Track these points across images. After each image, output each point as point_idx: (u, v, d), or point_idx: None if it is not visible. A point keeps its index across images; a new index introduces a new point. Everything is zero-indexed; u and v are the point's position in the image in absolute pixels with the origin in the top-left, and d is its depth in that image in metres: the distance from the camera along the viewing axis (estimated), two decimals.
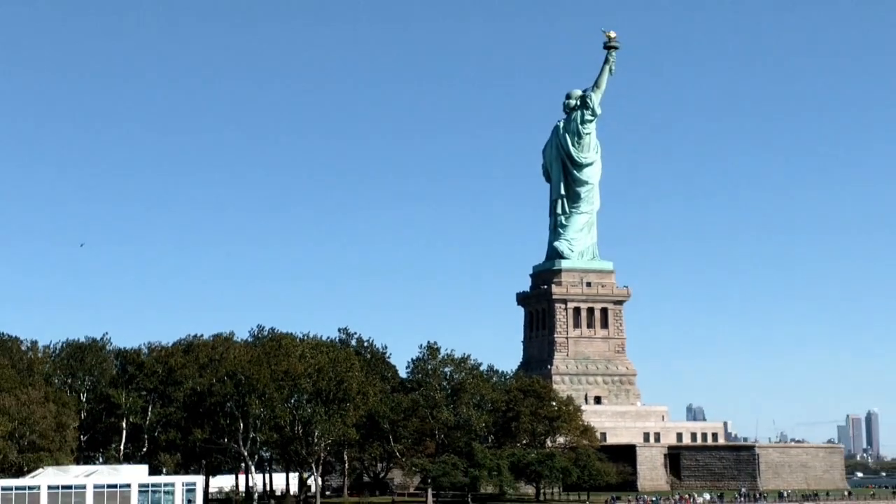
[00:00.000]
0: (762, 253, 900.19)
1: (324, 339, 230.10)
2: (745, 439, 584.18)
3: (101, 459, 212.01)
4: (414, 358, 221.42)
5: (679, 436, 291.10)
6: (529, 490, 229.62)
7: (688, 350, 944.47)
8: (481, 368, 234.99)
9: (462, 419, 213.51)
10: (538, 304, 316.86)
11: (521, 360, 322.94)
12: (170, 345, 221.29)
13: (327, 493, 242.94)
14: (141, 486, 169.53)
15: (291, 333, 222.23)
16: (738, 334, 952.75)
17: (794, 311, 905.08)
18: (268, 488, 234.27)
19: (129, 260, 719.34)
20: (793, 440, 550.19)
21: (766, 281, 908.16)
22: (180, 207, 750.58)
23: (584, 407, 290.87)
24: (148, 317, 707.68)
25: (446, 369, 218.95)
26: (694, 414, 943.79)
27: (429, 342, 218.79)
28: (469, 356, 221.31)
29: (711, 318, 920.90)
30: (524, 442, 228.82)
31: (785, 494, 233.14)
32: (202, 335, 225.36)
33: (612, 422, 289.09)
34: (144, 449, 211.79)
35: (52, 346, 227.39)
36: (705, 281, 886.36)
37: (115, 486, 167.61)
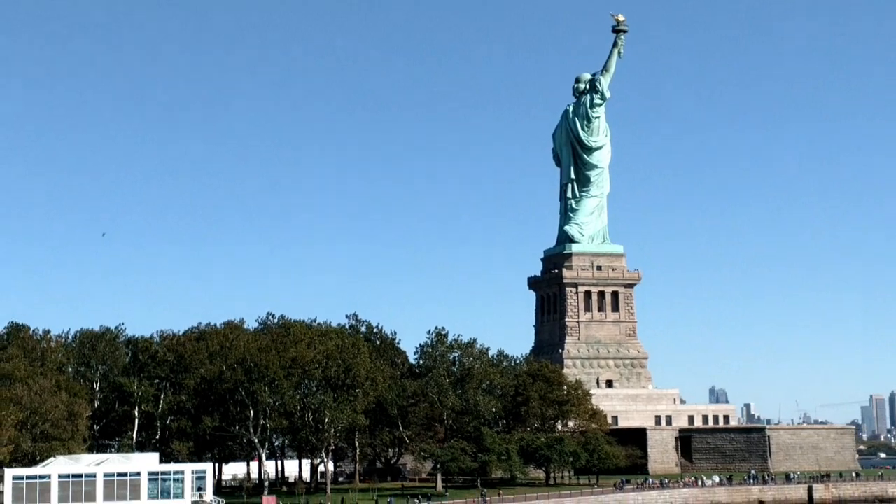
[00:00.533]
0: (777, 233, 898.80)
1: (334, 326, 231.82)
2: (769, 421, 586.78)
3: (115, 448, 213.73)
4: (422, 344, 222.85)
5: (691, 418, 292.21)
6: (540, 474, 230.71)
7: (707, 332, 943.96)
8: (490, 353, 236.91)
9: (470, 404, 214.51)
10: (549, 289, 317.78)
11: (532, 344, 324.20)
12: (181, 333, 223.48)
13: (340, 479, 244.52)
14: (151, 473, 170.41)
15: (301, 321, 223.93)
16: (757, 316, 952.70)
17: (813, 292, 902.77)
18: (280, 475, 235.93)
19: (141, 250, 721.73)
20: (815, 421, 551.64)
21: (782, 261, 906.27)
22: (192, 198, 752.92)
23: (595, 390, 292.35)
24: (160, 306, 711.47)
25: (454, 355, 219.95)
26: (717, 396, 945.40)
27: (436, 328, 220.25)
28: (476, 341, 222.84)
29: (726, 300, 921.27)
30: (535, 426, 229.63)
31: (792, 476, 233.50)
32: (213, 324, 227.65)
33: (624, 405, 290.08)
34: (157, 437, 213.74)
35: (64, 336, 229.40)
36: (718, 263, 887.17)
37: (125, 475, 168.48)
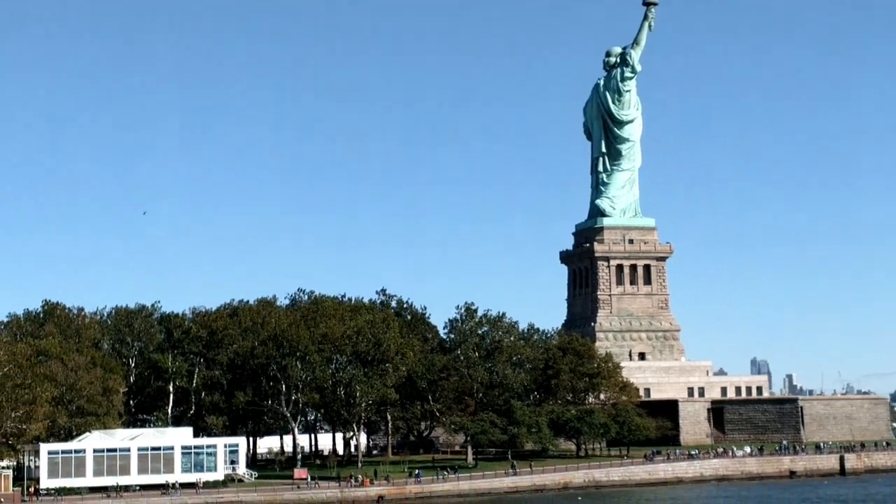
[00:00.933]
0: (816, 201, 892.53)
1: (364, 301, 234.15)
2: (811, 391, 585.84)
3: (151, 423, 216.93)
4: (451, 318, 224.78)
5: (724, 390, 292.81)
6: (571, 446, 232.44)
7: (746, 303, 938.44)
8: (521, 328, 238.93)
9: (499, 378, 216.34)
10: (581, 263, 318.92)
11: (565, 317, 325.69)
12: (213, 310, 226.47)
13: (374, 452, 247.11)
14: (184, 447, 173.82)
15: (331, 297, 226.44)
16: (796, 285, 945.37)
17: (856, 260, 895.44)
18: (314, 448, 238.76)
19: (176, 227, 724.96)
20: (858, 392, 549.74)
21: (821, 229, 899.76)
22: (223, 177, 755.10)
23: (628, 363, 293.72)
24: (193, 284, 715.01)
25: (483, 329, 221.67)
26: (758, 367, 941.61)
27: (466, 303, 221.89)
28: (504, 315, 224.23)
29: (763, 270, 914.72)
30: (565, 399, 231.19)
31: (822, 445, 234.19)
32: (246, 300, 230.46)
33: (656, 377, 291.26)
34: (192, 412, 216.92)
35: (99, 313, 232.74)
36: (753, 233, 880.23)
37: (158, 449, 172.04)
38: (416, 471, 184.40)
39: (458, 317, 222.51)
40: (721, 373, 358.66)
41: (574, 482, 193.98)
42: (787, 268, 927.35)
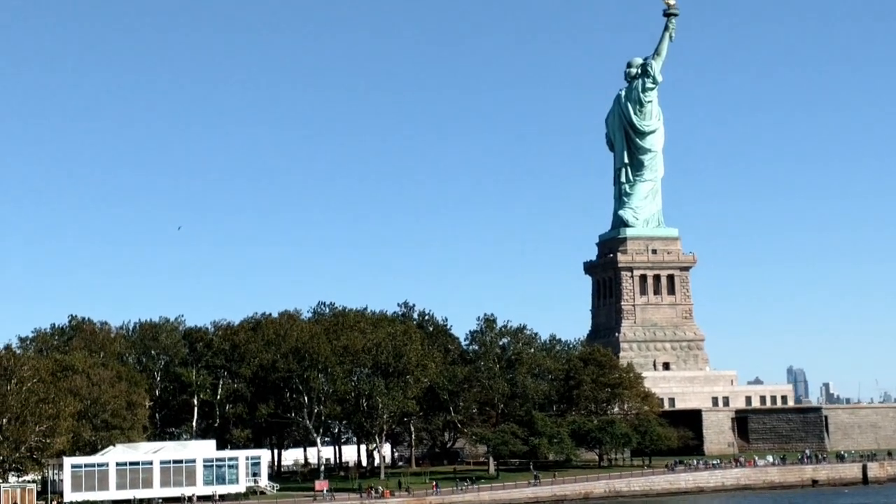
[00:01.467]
0: (840, 208, 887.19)
1: (388, 313, 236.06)
2: (847, 400, 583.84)
3: (184, 436, 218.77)
4: (472, 330, 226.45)
5: (748, 399, 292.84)
6: (595, 457, 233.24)
7: (780, 312, 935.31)
8: (543, 338, 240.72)
9: (520, 389, 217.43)
10: (605, 273, 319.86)
11: (589, 328, 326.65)
12: (236, 323, 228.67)
13: (400, 463, 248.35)
14: (206, 460, 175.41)
15: (353, 309, 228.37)
16: (830, 294, 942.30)
17: (888, 267, 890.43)
18: (339, 460, 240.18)
19: (200, 240, 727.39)
20: (895, 400, 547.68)
21: (849, 237, 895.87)
22: (245, 192, 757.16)
23: (652, 373, 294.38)
24: (216, 298, 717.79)
25: (503, 340, 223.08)
26: (795, 376, 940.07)
27: (486, 314, 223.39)
28: (525, 326, 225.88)
29: (794, 279, 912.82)
30: (590, 409, 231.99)
31: (844, 454, 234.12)
32: (269, 313, 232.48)
33: (681, 387, 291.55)
34: (217, 424, 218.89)
35: (125, 327, 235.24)
36: (779, 242, 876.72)
37: (180, 462, 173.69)
38: (434, 482, 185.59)
39: (479, 328, 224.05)
40: (757, 382, 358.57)
41: (595, 492, 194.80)
42: (818, 276, 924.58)
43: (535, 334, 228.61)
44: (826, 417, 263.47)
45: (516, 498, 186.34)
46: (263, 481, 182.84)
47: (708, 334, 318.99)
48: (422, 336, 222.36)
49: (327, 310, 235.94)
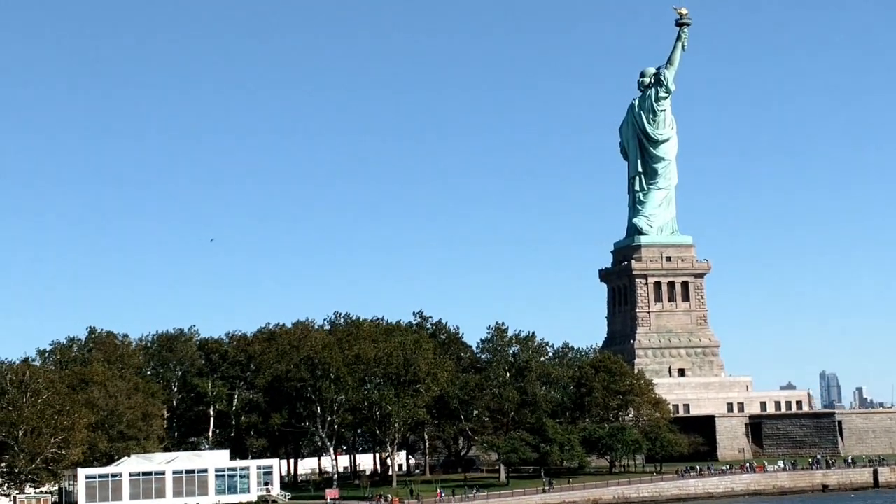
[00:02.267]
0: (857, 214, 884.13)
1: (402, 323, 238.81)
2: (881, 404, 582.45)
3: (201, 446, 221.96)
4: (483, 338, 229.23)
5: (763, 405, 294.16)
6: (606, 463, 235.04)
7: (812, 317, 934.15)
8: (556, 346, 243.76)
9: (530, 397, 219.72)
10: (620, 280, 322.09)
11: (605, 335, 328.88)
12: (250, 334, 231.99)
13: (416, 471, 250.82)
14: (218, 470, 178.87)
15: (366, 319, 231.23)
16: (858, 298, 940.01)
17: None
18: (353, 469, 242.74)
19: (214, 252, 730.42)
20: None
21: (867, 242, 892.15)
22: (259, 203, 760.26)
23: (667, 380, 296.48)
24: (233, 307, 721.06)
25: (513, 349, 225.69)
26: (827, 380, 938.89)
27: (496, 323, 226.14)
28: (535, 335, 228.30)
29: (819, 284, 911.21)
30: (601, 416, 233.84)
31: (850, 459, 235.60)
32: (282, 324, 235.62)
33: (695, 393, 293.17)
34: (233, 434, 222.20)
35: (143, 339, 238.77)
36: (798, 247, 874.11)
37: (192, 472, 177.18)
38: (439, 490, 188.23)
39: (490, 336, 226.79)
40: (790, 387, 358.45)
41: (604, 499, 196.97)
42: (841, 279, 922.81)
43: (545, 342, 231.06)
44: (840, 423, 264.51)
45: None
46: (275, 490, 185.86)
47: (724, 340, 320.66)
48: (434, 345, 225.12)
49: (342, 320, 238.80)
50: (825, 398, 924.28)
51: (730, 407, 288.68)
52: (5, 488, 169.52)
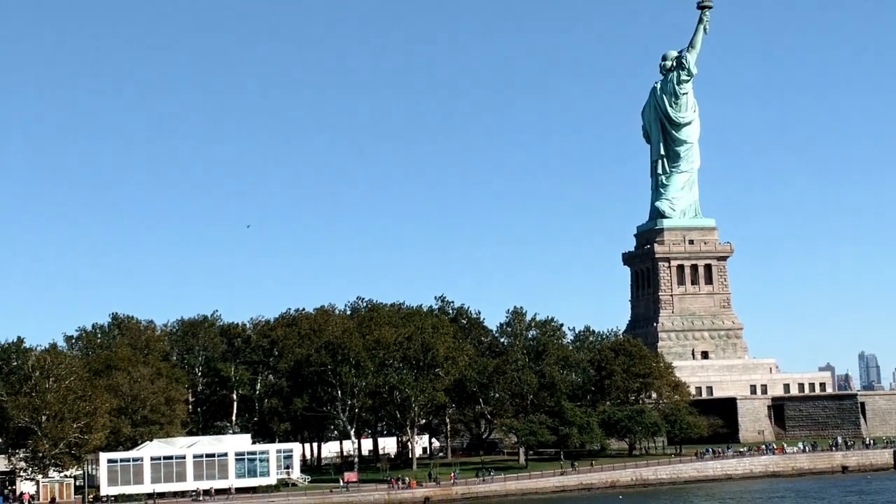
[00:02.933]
0: (880, 192, 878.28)
1: (424, 307, 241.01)
2: None
3: (225, 430, 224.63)
4: (501, 323, 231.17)
5: (786, 387, 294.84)
6: (626, 445, 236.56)
7: (850, 299, 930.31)
8: (577, 330, 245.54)
9: (547, 380, 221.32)
10: (642, 264, 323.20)
11: (629, 318, 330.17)
12: (272, 319, 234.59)
13: (440, 454, 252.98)
14: (237, 454, 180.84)
15: (386, 304, 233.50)
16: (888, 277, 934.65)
17: None
18: (376, 452, 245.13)
19: (234, 239, 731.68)
20: None
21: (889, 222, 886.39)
22: (284, 190, 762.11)
23: (690, 362, 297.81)
24: (258, 292, 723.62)
25: (531, 332, 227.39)
26: (866, 361, 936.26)
27: (514, 307, 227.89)
28: (553, 319, 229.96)
29: (851, 264, 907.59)
30: (621, 399, 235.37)
31: (869, 441, 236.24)
32: (304, 308, 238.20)
33: (719, 376, 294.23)
34: (256, 419, 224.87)
35: (168, 325, 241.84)
36: (825, 227, 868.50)
37: (213, 455, 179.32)
38: (454, 472, 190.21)
39: (508, 320, 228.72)
40: (828, 367, 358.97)
41: (621, 481, 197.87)
42: (874, 259, 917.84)
43: (562, 326, 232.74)
44: (863, 404, 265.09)
45: (543, 487, 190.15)
46: (295, 473, 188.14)
47: (752, 323, 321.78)
48: (455, 329, 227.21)
49: (364, 304, 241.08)
50: (864, 379, 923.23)
51: (753, 389, 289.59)
52: (30, 472, 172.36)
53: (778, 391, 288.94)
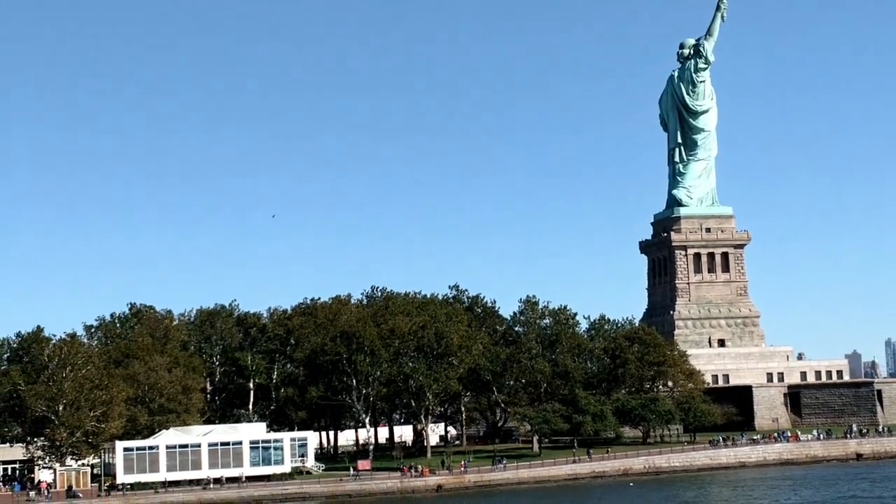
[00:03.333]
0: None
1: (438, 296, 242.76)
2: None
3: (244, 418, 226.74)
4: (515, 311, 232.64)
5: (803, 374, 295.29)
6: (641, 433, 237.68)
7: (872, 285, 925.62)
8: (592, 318, 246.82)
9: (560, 369, 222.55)
10: (659, 252, 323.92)
11: (646, 306, 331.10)
12: (289, 309, 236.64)
13: (456, 442, 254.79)
14: (252, 442, 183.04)
15: (401, 293, 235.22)
16: None
17: None
18: (391, 440, 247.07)
19: (256, 229, 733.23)
20: None
21: None
22: (300, 180, 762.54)
23: (707, 350, 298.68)
24: (275, 283, 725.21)
25: (545, 321, 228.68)
26: (893, 348, 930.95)
27: (527, 296, 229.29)
28: (566, 307, 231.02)
29: (875, 251, 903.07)
30: (635, 387, 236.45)
31: (884, 428, 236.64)
32: (319, 298, 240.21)
33: (735, 363, 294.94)
34: (272, 407, 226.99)
35: (186, 314, 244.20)
36: (844, 213, 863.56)
37: (227, 444, 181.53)
38: (463, 460, 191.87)
39: (521, 309, 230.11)
40: (854, 355, 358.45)
41: (634, 469, 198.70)
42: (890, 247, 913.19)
43: (576, 315, 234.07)
44: (879, 391, 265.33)
45: (555, 475, 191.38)
46: (310, 462, 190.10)
47: (772, 311, 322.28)
48: (469, 318, 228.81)
49: (379, 294, 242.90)
50: (891, 366, 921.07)
51: (769, 377, 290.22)
52: (47, 460, 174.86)
53: (795, 379, 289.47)
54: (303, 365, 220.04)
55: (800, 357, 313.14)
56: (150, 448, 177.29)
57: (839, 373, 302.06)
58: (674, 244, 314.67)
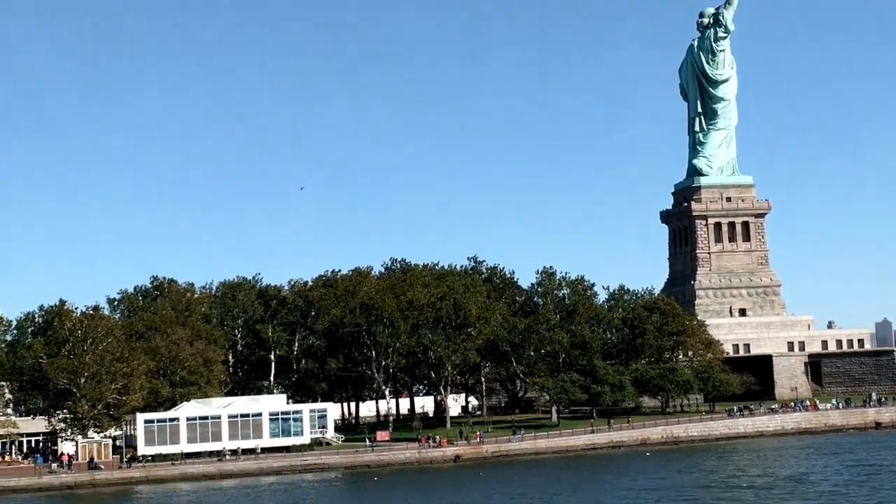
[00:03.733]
0: None
1: (457, 268, 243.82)
2: None
3: (266, 391, 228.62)
4: (533, 282, 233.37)
5: (824, 343, 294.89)
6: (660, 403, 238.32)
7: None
8: (612, 288, 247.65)
9: (579, 339, 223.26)
10: (680, 222, 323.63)
11: (667, 276, 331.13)
12: (310, 281, 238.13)
13: (478, 413, 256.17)
14: (272, 414, 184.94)
15: (419, 265, 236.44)
16: None
17: None
18: (412, 411, 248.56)
19: (277, 202, 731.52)
20: None
21: None
22: (324, 153, 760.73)
23: (728, 320, 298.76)
24: (297, 255, 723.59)
25: (562, 292, 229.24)
26: None
27: (545, 266, 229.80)
28: (584, 278, 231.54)
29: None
30: (654, 357, 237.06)
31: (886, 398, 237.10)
32: (339, 270, 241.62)
33: (756, 333, 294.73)
34: (294, 379, 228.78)
35: (208, 287, 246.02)
36: (868, 186, 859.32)
37: (247, 416, 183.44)
38: (479, 431, 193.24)
39: (539, 280, 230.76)
40: (885, 323, 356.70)
41: (652, 438, 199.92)
42: None
43: (593, 285, 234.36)
44: None
45: (573, 445, 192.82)
46: (330, 433, 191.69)
47: (794, 279, 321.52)
48: (488, 289, 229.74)
49: (398, 265, 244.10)
50: None
51: (790, 346, 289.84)
52: (69, 433, 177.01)
53: (816, 348, 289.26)
54: (323, 337, 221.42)
55: (830, 325, 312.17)
56: (171, 420, 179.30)
57: (860, 341, 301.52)
58: (694, 214, 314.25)
